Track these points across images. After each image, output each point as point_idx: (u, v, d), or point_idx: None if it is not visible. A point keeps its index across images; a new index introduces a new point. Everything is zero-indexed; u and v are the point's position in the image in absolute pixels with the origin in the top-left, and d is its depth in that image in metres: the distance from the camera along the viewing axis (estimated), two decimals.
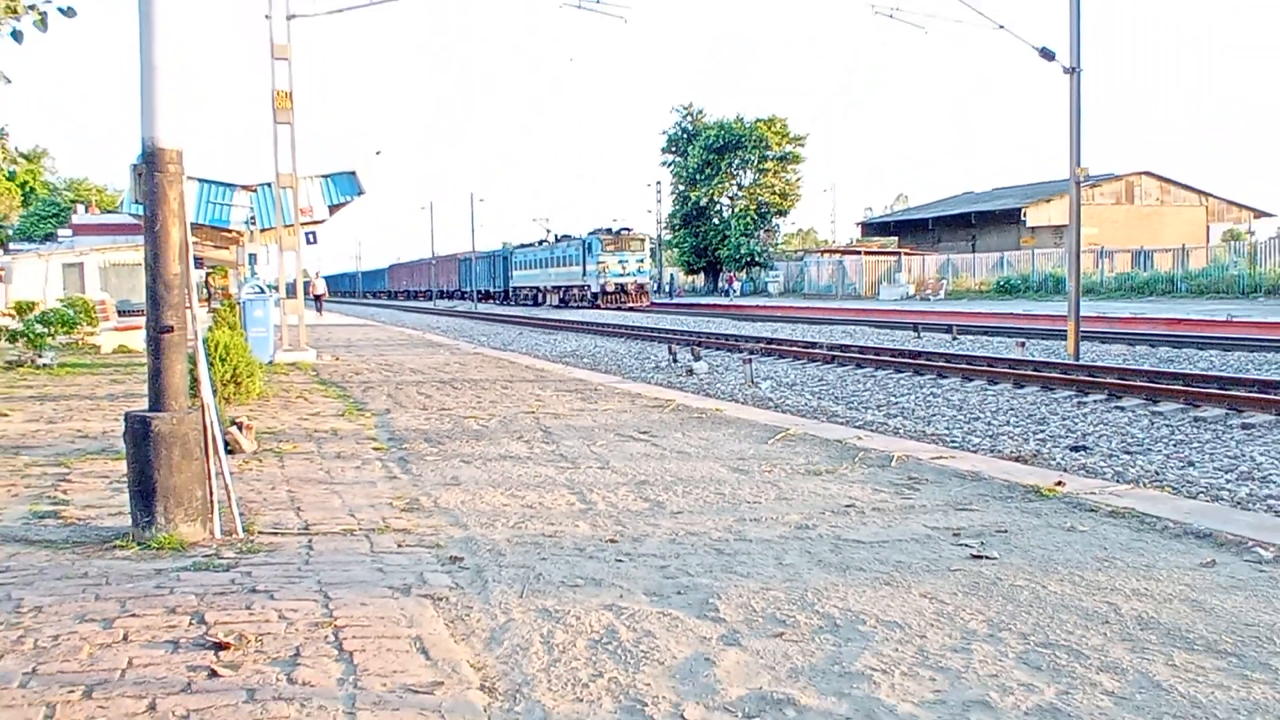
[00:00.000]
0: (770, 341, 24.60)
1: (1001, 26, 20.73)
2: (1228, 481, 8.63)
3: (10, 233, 69.53)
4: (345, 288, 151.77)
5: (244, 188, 29.40)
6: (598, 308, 59.05)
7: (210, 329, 13.62)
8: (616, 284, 59.74)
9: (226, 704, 3.39)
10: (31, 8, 13.08)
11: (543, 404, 11.95)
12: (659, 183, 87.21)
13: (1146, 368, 16.96)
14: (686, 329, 31.78)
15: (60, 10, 13.41)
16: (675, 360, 21.36)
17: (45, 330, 18.12)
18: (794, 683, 3.57)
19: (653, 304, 64.75)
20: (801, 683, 3.57)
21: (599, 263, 61.47)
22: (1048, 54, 19.44)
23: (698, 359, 21.25)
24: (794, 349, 22.69)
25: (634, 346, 26.97)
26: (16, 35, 13.15)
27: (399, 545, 5.54)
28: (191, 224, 7.10)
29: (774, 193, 78.14)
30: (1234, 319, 29.10)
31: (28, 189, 75.60)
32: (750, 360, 20.79)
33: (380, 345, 24.70)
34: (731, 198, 79.08)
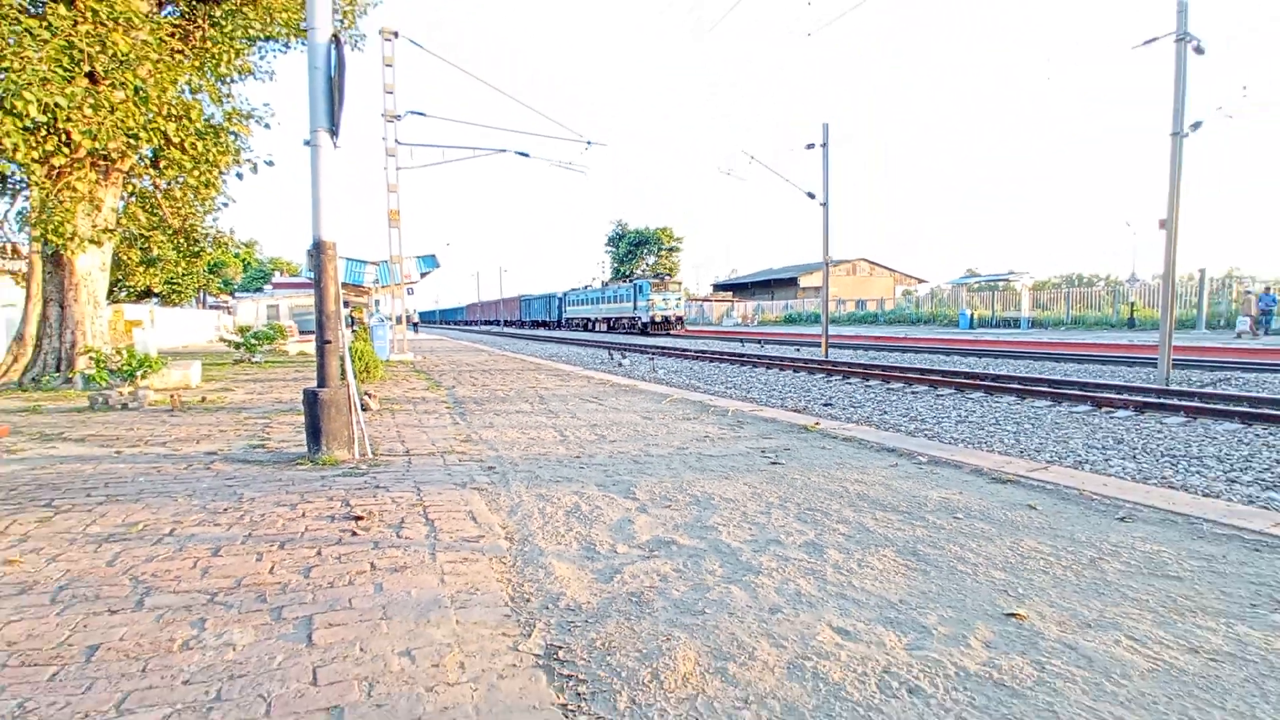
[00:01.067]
0: (664, 349, 24.61)
1: (787, 180, 21.11)
2: (904, 422, 8.86)
3: (235, 287, 67.09)
4: (435, 319, 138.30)
5: (371, 263, 28.64)
6: (645, 334, 44.58)
7: (352, 342, 13.24)
8: (662, 316, 45.62)
9: (362, 550, 3.31)
10: (249, 160, 12.59)
11: (539, 382, 11.82)
12: (602, 262, 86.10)
13: (863, 361, 17.32)
14: (618, 343, 31.64)
15: (266, 162, 12.94)
16: (612, 358, 21.26)
17: (255, 342, 17.47)
18: (676, 532, 3.60)
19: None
20: (680, 532, 3.60)
21: (648, 300, 46.20)
22: (811, 195, 19.77)
23: (625, 358, 21.20)
24: (676, 353, 22.72)
25: (589, 351, 26.74)
26: (239, 175, 12.64)
27: (459, 460, 5.45)
28: (342, 283, 6.89)
29: (666, 268, 77.85)
30: (908, 337, 29.96)
31: (246, 263, 72.80)
32: (653, 358, 20.83)
33: (450, 351, 24.19)
34: (643, 272, 78.58)
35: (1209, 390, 10.45)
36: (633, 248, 77.80)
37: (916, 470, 4.96)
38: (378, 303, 30.00)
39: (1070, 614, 2.55)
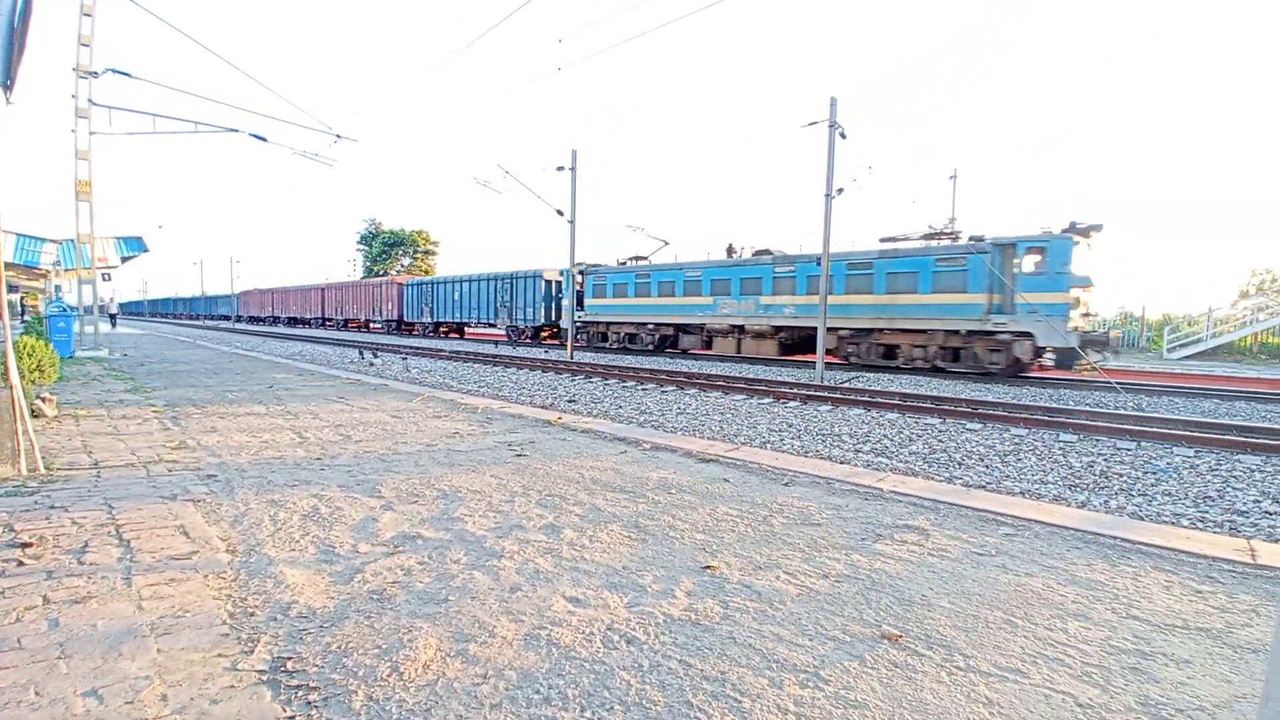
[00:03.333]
0: (417, 349, 23.19)
1: (539, 196, 21.39)
2: (636, 414, 9.54)
3: None
4: (143, 311, 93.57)
5: (52, 241, 22.42)
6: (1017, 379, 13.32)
7: (21, 335, 10.14)
8: (1085, 340, 11.88)
9: (31, 581, 2.59)
10: None
11: (277, 383, 10.31)
12: (354, 260, 77.35)
13: (604, 362, 18.24)
14: (370, 342, 28.98)
15: None
16: (363, 357, 19.40)
17: None
18: (422, 526, 3.43)
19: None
20: (427, 525, 3.44)
21: (1062, 289, 11.86)
22: (560, 212, 20.30)
23: (376, 356, 19.52)
24: (429, 353, 21.58)
25: (338, 350, 24.04)
26: None
27: (169, 470, 4.52)
28: (7, 263, 5.24)
29: (422, 270, 72.97)
30: None
31: None
32: (406, 358, 19.51)
33: (159, 346, 19.86)
34: (397, 272, 72.40)
35: (845, 385, 13.05)
36: (387, 248, 71.71)
37: (642, 456, 5.38)
38: (59, 288, 23.50)
39: (748, 561, 3.00)
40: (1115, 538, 3.35)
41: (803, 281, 18.15)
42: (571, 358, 19.36)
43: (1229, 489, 5.67)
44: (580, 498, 4.02)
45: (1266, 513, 5.02)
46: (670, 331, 22.28)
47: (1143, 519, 4.78)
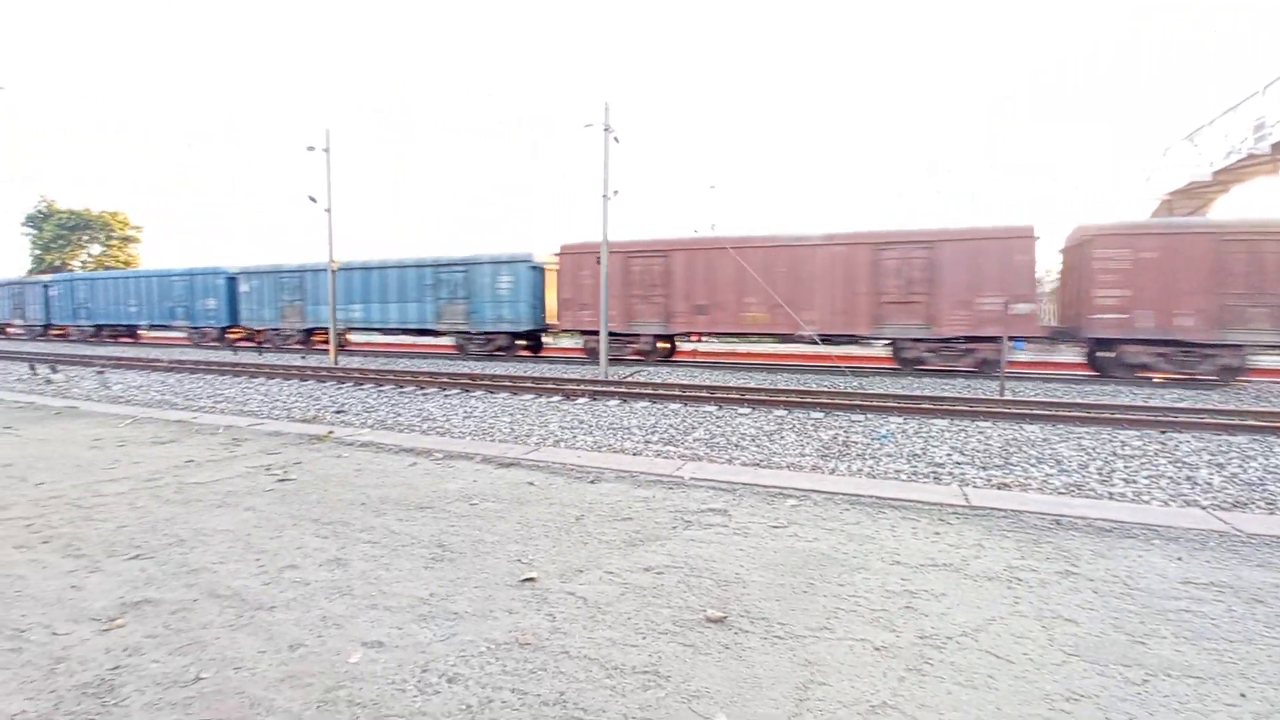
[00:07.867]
0: (121, 359, 18.65)
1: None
2: (419, 422, 8.75)
3: None
4: None
5: None
6: None
7: None
8: None
9: None
10: None
11: None
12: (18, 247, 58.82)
13: (375, 367, 16.56)
14: (42, 353, 22.53)
15: None
16: (35, 373, 14.98)
17: None
18: (151, 587, 2.68)
19: None
20: (158, 585, 2.70)
21: None
22: (313, 199, 17.93)
23: (56, 371, 15.22)
24: (141, 363, 17.51)
25: None
26: None
27: None
28: None
29: (120, 261, 58.17)
30: (416, 344, 29.73)
31: None
32: (103, 372, 15.55)
33: None
34: (83, 263, 56.83)
35: (629, 380, 13.66)
36: (65, 231, 56.25)
37: (435, 466, 4.93)
38: None
39: (568, 566, 2.88)
40: (873, 496, 3.92)
41: None
42: (336, 362, 17.22)
43: (929, 447, 7.09)
44: (369, 521, 3.52)
45: (956, 463, 6.38)
46: None
47: (875, 477, 5.72)
